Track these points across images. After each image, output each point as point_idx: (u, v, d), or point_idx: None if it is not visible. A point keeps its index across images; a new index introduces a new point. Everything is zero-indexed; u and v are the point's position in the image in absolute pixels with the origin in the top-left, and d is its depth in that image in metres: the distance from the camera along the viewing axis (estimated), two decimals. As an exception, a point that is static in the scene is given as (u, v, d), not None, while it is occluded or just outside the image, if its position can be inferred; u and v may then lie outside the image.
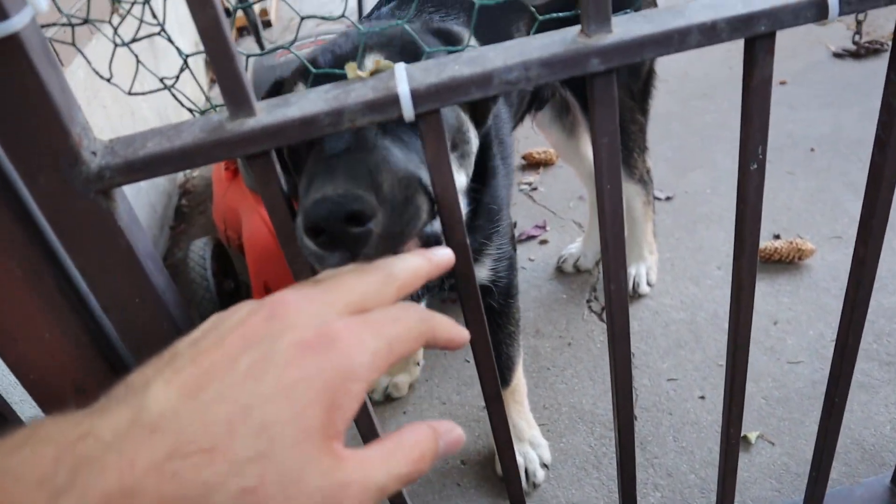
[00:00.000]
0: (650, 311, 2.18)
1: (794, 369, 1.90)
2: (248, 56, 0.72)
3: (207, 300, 2.20)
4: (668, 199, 2.60)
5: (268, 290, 2.17)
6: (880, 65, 3.17)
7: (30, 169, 0.66)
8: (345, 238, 0.77)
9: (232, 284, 2.36)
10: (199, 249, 2.27)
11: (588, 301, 2.27)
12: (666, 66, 2.68)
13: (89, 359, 0.80)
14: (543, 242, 2.56)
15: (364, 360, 0.53)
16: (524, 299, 2.31)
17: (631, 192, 2.15)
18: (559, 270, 2.40)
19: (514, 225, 2.41)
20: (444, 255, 0.72)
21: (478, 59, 0.68)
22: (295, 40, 0.75)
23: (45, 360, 0.79)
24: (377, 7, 1.76)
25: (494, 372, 0.92)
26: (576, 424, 1.89)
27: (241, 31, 5.27)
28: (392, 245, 0.81)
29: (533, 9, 0.68)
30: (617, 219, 0.81)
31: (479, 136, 1.14)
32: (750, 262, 0.90)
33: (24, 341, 0.78)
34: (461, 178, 1.10)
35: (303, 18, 0.72)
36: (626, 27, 0.69)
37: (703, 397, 1.88)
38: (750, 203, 0.84)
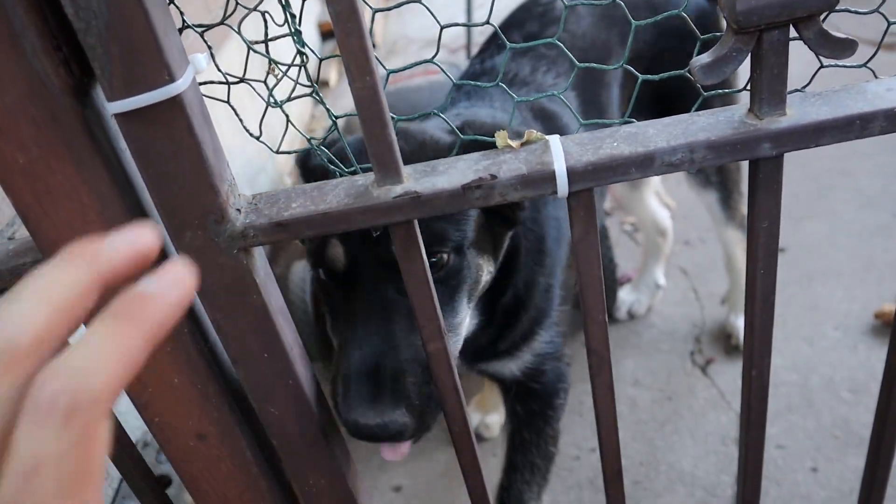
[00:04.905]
0: (758, 369, 2.07)
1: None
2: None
3: (304, 322, 2.23)
4: (781, 250, 2.47)
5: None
6: None
7: (178, 225, 0.66)
8: None
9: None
10: (301, 272, 2.31)
11: (692, 353, 2.17)
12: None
13: (214, 408, 0.80)
14: (645, 286, 2.48)
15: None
16: (623, 346, 2.24)
17: (730, 238, 2.05)
18: (630, 316, 2.34)
19: (616, 267, 2.35)
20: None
21: (637, 136, 0.65)
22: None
23: (171, 405, 0.80)
24: (485, 48, 1.67)
25: (618, 449, 0.88)
26: (674, 485, 1.80)
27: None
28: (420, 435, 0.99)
29: (700, 87, 0.64)
30: (768, 305, 0.76)
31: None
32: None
33: (154, 386, 0.78)
34: (464, 312, 1.10)
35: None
36: (801, 110, 0.64)
37: (815, 469, 1.76)
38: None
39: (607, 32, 1.53)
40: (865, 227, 2.51)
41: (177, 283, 0.38)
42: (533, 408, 1.33)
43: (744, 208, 2.00)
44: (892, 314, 2.08)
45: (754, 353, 0.80)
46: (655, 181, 2.32)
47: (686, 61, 0.63)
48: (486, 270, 1.09)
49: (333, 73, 4.20)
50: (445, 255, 1.00)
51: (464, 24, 0.63)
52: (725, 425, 1.93)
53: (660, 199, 2.34)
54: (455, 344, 1.07)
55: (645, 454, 1.90)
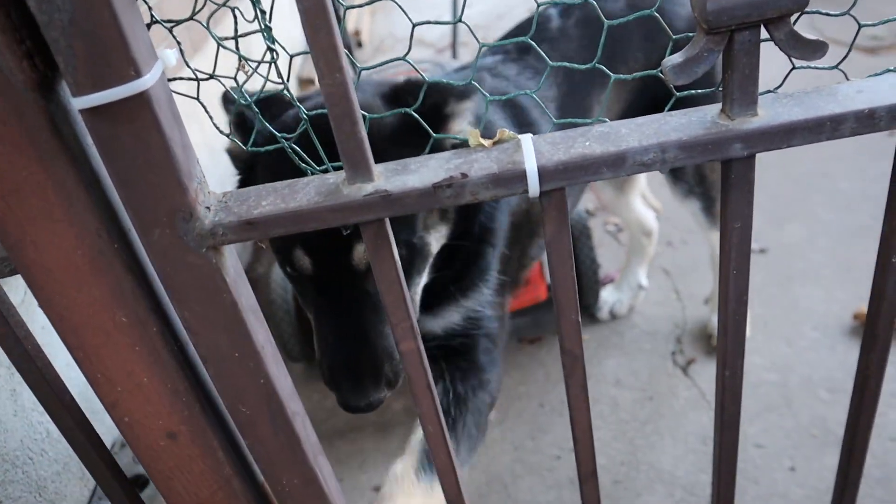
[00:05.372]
0: (738, 369, 2.08)
1: None
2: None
3: (287, 322, 2.21)
4: (761, 251, 2.49)
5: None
6: None
7: (146, 222, 0.65)
8: None
9: (311, 308, 2.37)
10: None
11: (673, 354, 2.18)
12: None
13: (184, 407, 0.79)
14: (627, 286, 2.48)
15: None
16: (605, 345, 2.24)
17: (716, 240, 2.08)
18: (612, 316, 2.36)
19: (599, 267, 2.34)
20: None
21: (609, 135, 0.65)
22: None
23: (141, 404, 0.79)
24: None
25: (592, 449, 0.88)
26: (654, 485, 1.80)
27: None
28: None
29: (672, 87, 0.64)
30: (741, 306, 0.76)
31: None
32: (879, 363, 0.83)
33: (123, 385, 0.77)
34: (419, 286, 1.29)
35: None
36: (772, 110, 0.64)
37: (793, 468, 1.77)
38: (888, 299, 0.77)
39: (591, 53, 1.61)
40: (845, 228, 2.53)
41: None
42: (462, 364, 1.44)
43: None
44: (871, 315, 2.10)
45: (728, 354, 0.80)
46: (642, 183, 2.33)
47: None
48: (436, 241, 1.26)
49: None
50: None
51: (436, 22, 0.62)
52: (706, 425, 1.94)
53: (646, 201, 2.35)
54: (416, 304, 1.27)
55: (626, 453, 1.90)
